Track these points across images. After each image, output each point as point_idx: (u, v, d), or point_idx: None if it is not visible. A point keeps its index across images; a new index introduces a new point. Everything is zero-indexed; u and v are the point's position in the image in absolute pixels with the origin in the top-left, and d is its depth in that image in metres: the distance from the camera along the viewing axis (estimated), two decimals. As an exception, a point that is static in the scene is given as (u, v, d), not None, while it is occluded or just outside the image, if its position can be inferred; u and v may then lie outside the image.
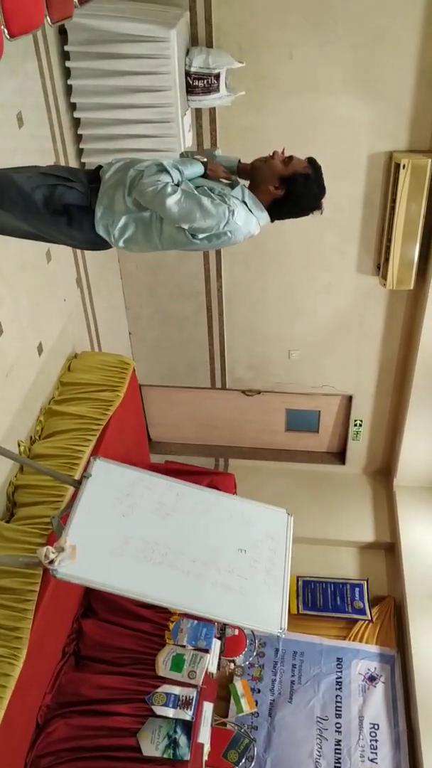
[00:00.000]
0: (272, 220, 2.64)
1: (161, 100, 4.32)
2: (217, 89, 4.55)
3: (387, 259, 5.32)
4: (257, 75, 4.75)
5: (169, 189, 2.37)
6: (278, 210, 2.60)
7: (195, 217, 2.39)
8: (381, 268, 5.48)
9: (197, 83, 4.49)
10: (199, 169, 2.51)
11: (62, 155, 4.43)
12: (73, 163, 4.60)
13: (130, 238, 2.54)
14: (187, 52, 4.47)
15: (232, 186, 2.55)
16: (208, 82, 4.51)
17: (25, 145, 3.91)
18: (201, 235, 2.48)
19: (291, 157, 2.54)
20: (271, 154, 2.56)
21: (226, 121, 4.98)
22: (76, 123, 4.55)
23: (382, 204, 5.25)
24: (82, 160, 4.64)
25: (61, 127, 4.39)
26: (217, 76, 4.51)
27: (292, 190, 2.53)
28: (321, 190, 2.56)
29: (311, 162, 2.56)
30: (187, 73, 4.46)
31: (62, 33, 4.21)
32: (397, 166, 4.88)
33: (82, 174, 2.59)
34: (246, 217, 2.51)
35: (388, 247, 5.26)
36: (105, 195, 2.49)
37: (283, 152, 2.57)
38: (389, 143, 4.98)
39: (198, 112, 4.93)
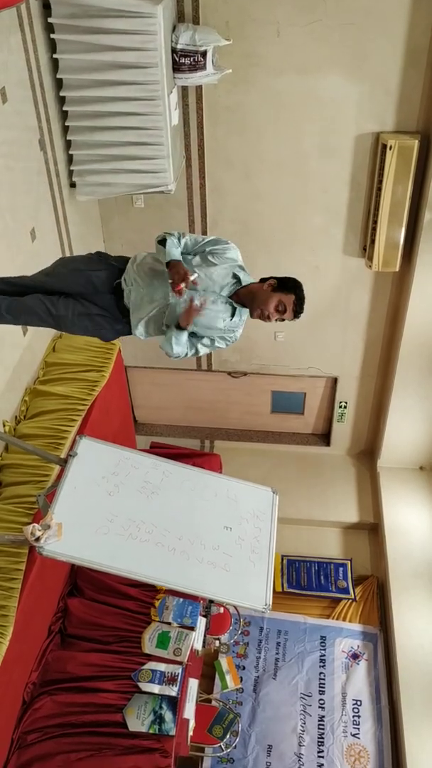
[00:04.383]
0: None
1: (147, 77, 4.27)
2: (204, 67, 4.51)
3: (373, 241, 5.32)
4: (244, 53, 4.71)
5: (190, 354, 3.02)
6: None
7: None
8: (367, 249, 5.49)
9: (183, 60, 4.45)
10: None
11: (47, 132, 4.38)
12: (58, 141, 4.54)
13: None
14: (174, 29, 4.42)
15: (233, 313, 2.97)
16: (194, 59, 4.47)
17: (9, 121, 3.87)
18: None
19: (282, 319, 2.92)
20: (265, 314, 2.90)
21: (213, 100, 4.94)
22: (62, 100, 4.49)
23: (368, 185, 5.24)
24: (68, 138, 4.59)
25: (45, 105, 4.34)
26: (204, 54, 4.47)
27: None
28: (301, 312, 2.95)
29: (297, 307, 2.91)
30: (174, 50, 4.41)
31: (46, 7, 4.14)
32: (384, 147, 4.87)
33: (114, 306, 3.02)
34: (238, 330, 3.04)
35: (374, 229, 5.26)
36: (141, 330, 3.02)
37: (275, 313, 2.91)
38: (376, 124, 4.96)
39: (184, 90, 4.88)
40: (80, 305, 3.01)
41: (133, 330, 3.03)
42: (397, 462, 6.74)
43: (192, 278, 2.80)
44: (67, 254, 4.90)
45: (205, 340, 2.99)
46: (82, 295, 3.02)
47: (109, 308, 3.02)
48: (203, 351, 3.03)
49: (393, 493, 6.56)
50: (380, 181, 5.03)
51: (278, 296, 2.89)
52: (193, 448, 6.88)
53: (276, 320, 2.93)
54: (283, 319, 2.93)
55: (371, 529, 6.56)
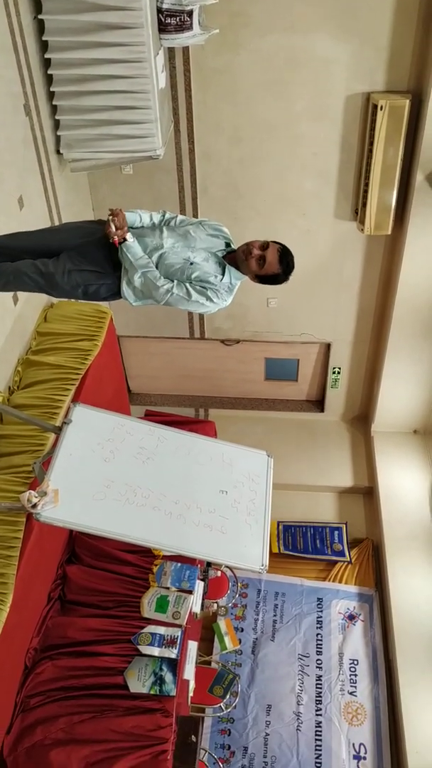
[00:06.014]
0: None
1: (133, 38, 4.17)
2: (191, 27, 4.41)
3: (364, 204, 5.28)
4: (232, 12, 4.62)
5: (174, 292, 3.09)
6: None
7: (194, 307, 3.15)
8: (359, 213, 5.44)
9: (170, 21, 4.35)
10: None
11: (32, 98, 4.29)
12: (44, 107, 4.45)
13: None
14: (159, -13, 4.32)
15: (223, 270, 3.13)
16: (180, 19, 4.36)
17: (-7, 86, 3.79)
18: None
19: (264, 257, 3.06)
20: (248, 249, 3.07)
21: (200, 62, 4.85)
22: (46, 64, 4.39)
23: (359, 147, 5.18)
24: (54, 103, 4.51)
25: (30, 69, 4.24)
26: (190, 13, 4.36)
27: (265, 282, 3.16)
28: (288, 275, 3.13)
29: (282, 255, 3.08)
30: (159, 10, 4.31)
31: (28, -34, 4.04)
32: (375, 107, 4.80)
33: (106, 260, 3.08)
34: (228, 297, 3.18)
35: (366, 192, 5.21)
36: (128, 290, 3.12)
37: (257, 249, 3.07)
38: (367, 84, 4.89)
39: (171, 53, 4.79)
40: (70, 262, 3.06)
41: (123, 287, 3.10)
42: (391, 426, 6.78)
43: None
44: (56, 222, 4.85)
45: (198, 287, 3.10)
46: (77, 249, 3.09)
47: (101, 262, 3.08)
48: (195, 297, 3.09)
49: (387, 457, 6.62)
50: (371, 143, 4.96)
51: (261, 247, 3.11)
52: (187, 416, 6.90)
53: (256, 256, 3.06)
54: (263, 257, 3.06)
55: (366, 493, 6.63)
